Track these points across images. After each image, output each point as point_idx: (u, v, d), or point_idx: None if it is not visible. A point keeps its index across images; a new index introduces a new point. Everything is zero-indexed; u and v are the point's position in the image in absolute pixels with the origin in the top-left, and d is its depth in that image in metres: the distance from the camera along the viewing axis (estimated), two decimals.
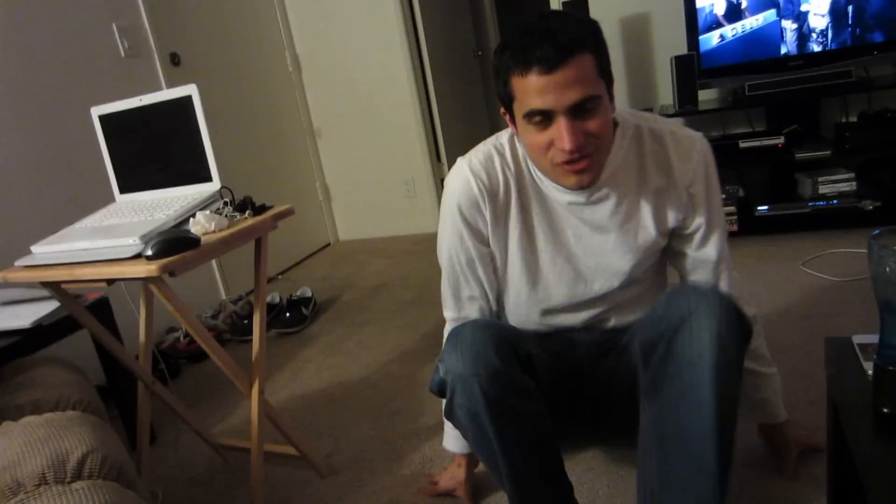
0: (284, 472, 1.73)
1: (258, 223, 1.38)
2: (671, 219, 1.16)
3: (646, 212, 1.16)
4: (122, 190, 1.58)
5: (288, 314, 2.79)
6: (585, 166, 1.02)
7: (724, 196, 2.75)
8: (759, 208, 2.74)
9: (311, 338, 2.67)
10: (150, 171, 1.52)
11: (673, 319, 0.97)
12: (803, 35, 2.65)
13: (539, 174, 1.16)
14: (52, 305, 1.82)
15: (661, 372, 1.00)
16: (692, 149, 1.15)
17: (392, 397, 2.03)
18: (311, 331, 2.75)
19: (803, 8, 2.62)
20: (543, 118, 0.99)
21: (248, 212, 1.42)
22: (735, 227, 2.77)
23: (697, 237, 1.18)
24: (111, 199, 1.63)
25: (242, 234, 1.34)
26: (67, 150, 2.48)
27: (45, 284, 1.38)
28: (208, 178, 1.45)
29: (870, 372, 0.86)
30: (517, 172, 1.18)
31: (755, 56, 2.73)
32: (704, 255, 1.20)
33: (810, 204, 2.66)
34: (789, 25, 2.66)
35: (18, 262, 1.37)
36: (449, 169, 4.04)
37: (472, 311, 1.26)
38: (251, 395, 1.46)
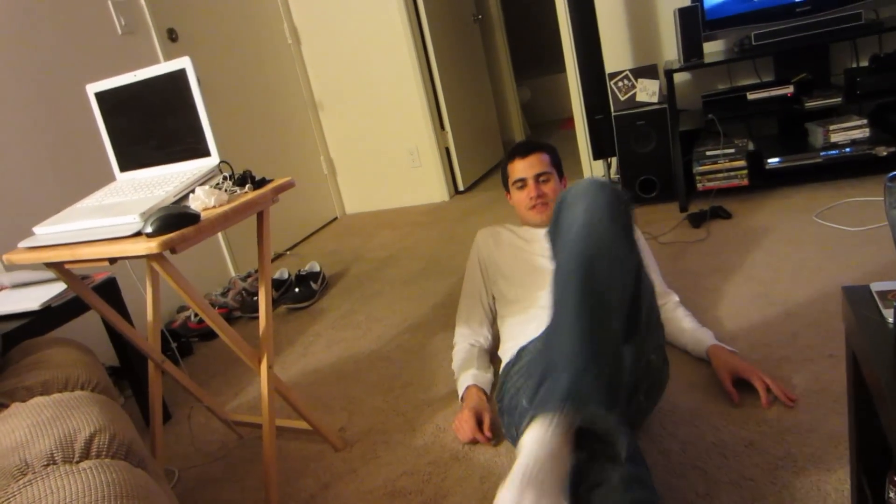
0: (298, 446, 1.73)
1: (258, 197, 1.36)
2: None
3: None
4: (122, 168, 1.56)
5: (297, 289, 2.78)
6: (544, 210, 1.80)
7: (732, 150, 2.71)
8: (770, 161, 2.69)
9: (321, 312, 2.66)
10: (149, 148, 1.50)
11: (558, 204, 1.22)
12: None
13: (521, 229, 1.88)
14: (60, 287, 1.82)
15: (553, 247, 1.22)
16: None
17: (403, 368, 2.02)
18: (320, 305, 2.74)
19: None
20: (522, 184, 1.83)
21: (247, 186, 1.40)
22: (746, 182, 2.72)
23: None
24: (112, 178, 1.62)
25: (242, 209, 1.31)
26: (67, 130, 2.46)
27: (48, 265, 1.37)
28: (207, 154, 1.42)
29: (890, 320, 0.83)
30: (510, 230, 1.91)
31: (761, 4, 2.64)
32: None
33: (822, 154, 2.60)
34: None
35: (22, 244, 1.36)
36: (453, 136, 4.03)
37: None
38: (260, 370, 1.45)
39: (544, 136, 5.38)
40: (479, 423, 1.57)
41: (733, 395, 1.47)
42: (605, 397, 0.99)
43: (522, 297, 1.71)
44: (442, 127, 3.94)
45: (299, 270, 2.90)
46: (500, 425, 1.55)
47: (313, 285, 2.82)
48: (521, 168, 1.81)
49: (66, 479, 0.85)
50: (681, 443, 1.39)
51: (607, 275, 1.07)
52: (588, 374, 1.00)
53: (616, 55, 3.21)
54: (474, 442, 1.55)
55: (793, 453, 1.28)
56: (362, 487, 1.50)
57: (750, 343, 1.70)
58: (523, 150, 1.83)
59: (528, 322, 1.63)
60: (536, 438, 0.95)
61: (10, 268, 2.13)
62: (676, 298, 1.78)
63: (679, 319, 1.72)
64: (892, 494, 0.83)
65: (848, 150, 2.56)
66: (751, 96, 2.68)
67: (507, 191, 1.91)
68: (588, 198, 1.13)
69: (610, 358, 1.03)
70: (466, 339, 1.84)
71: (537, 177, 1.80)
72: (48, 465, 0.92)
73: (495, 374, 1.78)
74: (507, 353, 1.64)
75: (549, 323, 1.11)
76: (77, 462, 0.93)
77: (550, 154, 1.85)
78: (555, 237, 1.19)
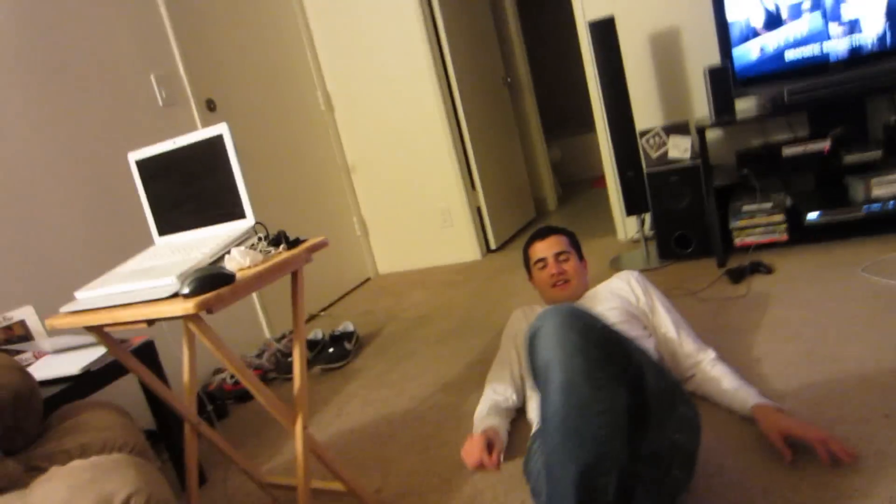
0: None
1: (292, 256, 1.37)
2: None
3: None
4: (161, 232, 1.60)
5: (331, 350, 2.78)
6: (565, 287, 1.88)
7: (770, 205, 2.67)
8: (810, 216, 2.64)
9: (355, 372, 2.65)
10: (187, 212, 1.54)
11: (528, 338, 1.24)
12: (848, 38, 2.55)
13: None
14: (99, 352, 1.84)
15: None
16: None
17: (439, 428, 1.99)
18: (354, 365, 2.73)
19: (850, 11, 2.52)
20: (543, 264, 1.92)
21: (282, 246, 1.42)
22: (785, 237, 2.67)
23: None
24: (151, 243, 1.66)
25: (277, 268, 1.33)
26: (110, 197, 2.55)
27: (88, 329, 1.40)
28: (242, 216, 1.46)
29: None
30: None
31: (794, 62, 2.64)
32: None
33: (864, 208, 2.55)
34: (836, 29, 2.56)
35: (64, 309, 1.39)
36: (484, 196, 4.08)
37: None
38: (294, 430, 1.44)
39: (576, 194, 5.39)
40: (490, 450, 1.49)
41: (786, 455, 1.40)
42: None
43: None
44: (473, 187, 3.99)
45: (333, 331, 2.91)
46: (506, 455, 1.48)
47: (347, 345, 2.82)
48: (541, 249, 1.92)
49: None
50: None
51: (594, 431, 1.08)
52: None
53: (646, 112, 3.24)
54: (481, 467, 1.45)
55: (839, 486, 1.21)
56: None
57: (799, 402, 1.63)
58: (542, 234, 1.96)
59: None
60: None
61: (52, 333, 2.18)
62: (713, 355, 1.73)
63: (718, 379, 1.66)
64: None
65: (892, 203, 2.50)
66: (786, 152, 2.65)
67: (530, 275, 2.01)
68: (558, 346, 1.13)
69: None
70: (492, 396, 1.83)
71: (557, 255, 1.90)
72: None
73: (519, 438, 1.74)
74: (535, 420, 1.62)
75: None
76: None
77: (568, 236, 1.97)
78: (534, 375, 1.21)
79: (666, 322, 1.81)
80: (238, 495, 1.91)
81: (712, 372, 1.69)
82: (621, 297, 1.83)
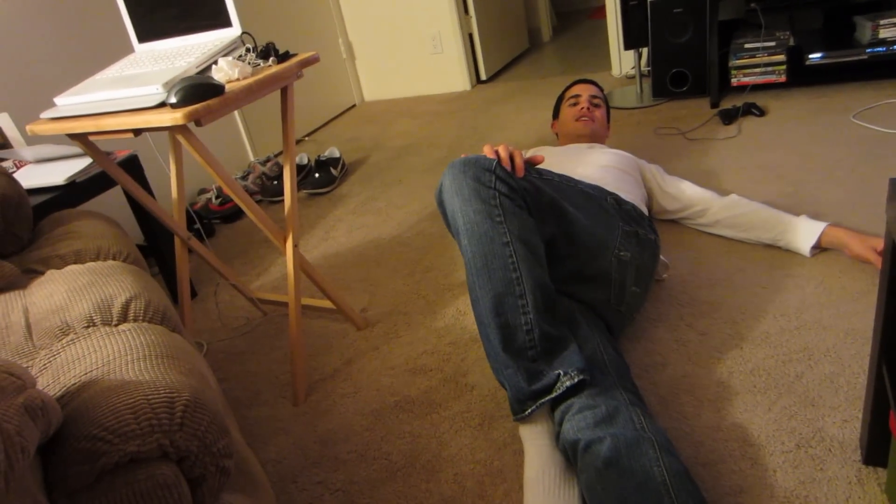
0: (321, 324, 1.78)
1: (283, 70, 1.32)
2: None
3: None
4: (140, 38, 1.51)
5: (317, 175, 2.77)
6: (587, 123, 1.95)
7: (773, 43, 2.59)
8: (811, 57, 2.56)
9: (341, 198, 2.66)
10: (168, 17, 1.44)
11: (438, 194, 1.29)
12: None
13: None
14: (82, 163, 1.82)
15: None
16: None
17: (424, 254, 2.04)
18: (340, 191, 2.74)
19: None
20: (576, 100, 2.02)
21: (271, 59, 1.35)
22: (783, 78, 2.61)
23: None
24: (129, 50, 1.57)
25: (267, 82, 1.28)
26: (86, 4, 2.37)
27: (72, 137, 1.36)
28: (228, 24, 1.37)
29: None
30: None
31: None
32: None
33: (867, 50, 2.47)
34: None
35: (44, 115, 1.35)
36: (477, 22, 3.86)
37: None
38: (285, 247, 1.47)
39: (572, 26, 5.15)
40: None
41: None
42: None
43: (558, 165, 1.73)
44: (466, 11, 3.77)
45: (319, 156, 2.88)
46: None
47: (333, 171, 2.81)
48: (580, 88, 2.06)
49: (106, 339, 0.88)
50: (699, 333, 1.41)
51: (502, 261, 1.14)
52: (522, 376, 1.10)
53: None
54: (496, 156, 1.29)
55: (809, 347, 1.30)
56: (384, 364, 1.56)
57: None
58: (584, 80, 2.10)
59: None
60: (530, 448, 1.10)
61: (32, 141, 2.12)
62: (726, 200, 1.73)
63: (757, 211, 1.66)
64: None
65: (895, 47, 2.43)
66: None
67: (556, 117, 2.13)
68: (457, 195, 1.19)
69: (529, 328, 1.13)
70: None
71: (591, 97, 2.02)
72: (88, 326, 0.95)
73: None
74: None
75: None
76: (115, 325, 0.96)
77: (605, 96, 2.10)
78: (448, 227, 1.26)
79: (671, 179, 1.85)
80: (228, 309, 1.99)
81: (744, 206, 1.69)
82: (623, 156, 1.79)
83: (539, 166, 1.77)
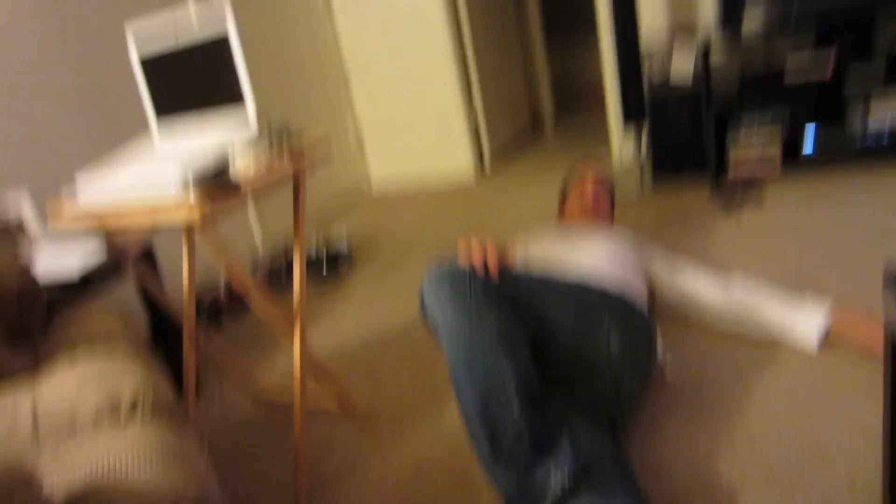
0: (325, 424, 1.73)
1: (296, 163, 1.36)
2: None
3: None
4: (159, 112, 1.54)
5: (324, 268, 2.80)
6: (589, 211, 2.03)
7: (767, 134, 2.68)
8: (805, 150, 2.65)
9: (348, 290, 2.68)
10: (185, 93, 1.49)
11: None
12: None
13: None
14: (96, 246, 1.83)
15: None
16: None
17: (430, 347, 2.03)
18: (348, 282, 2.76)
19: None
20: (584, 191, 2.07)
21: (285, 148, 1.40)
22: (779, 170, 2.69)
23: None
24: (146, 122, 1.61)
25: (281, 173, 1.33)
26: (105, 76, 2.50)
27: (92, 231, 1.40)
28: (241, 100, 1.41)
29: None
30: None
31: None
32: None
33: (858, 144, 2.56)
34: None
35: (67, 204, 1.38)
36: (483, 112, 3.88)
37: None
38: (293, 334, 1.47)
39: (575, 109, 5.32)
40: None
41: None
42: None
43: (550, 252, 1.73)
44: (471, 101, 3.96)
45: (326, 248, 2.93)
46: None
47: (339, 264, 2.85)
48: (583, 181, 2.12)
49: (113, 440, 0.87)
50: (710, 434, 1.39)
51: (483, 362, 1.15)
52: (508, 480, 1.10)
53: (653, 10, 3.17)
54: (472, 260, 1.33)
55: (822, 445, 1.28)
56: (389, 469, 1.51)
57: None
58: (587, 164, 2.23)
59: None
60: None
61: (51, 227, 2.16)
62: (729, 298, 1.72)
63: (760, 307, 1.66)
64: None
65: (886, 139, 2.50)
66: (788, 78, 2.62)
67: (562, 209, 2.17)
68: (436, 301, 1.24)
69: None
70: None
71: (595, 183, 2.10)
72: (96, 423, 0.95)
73: None
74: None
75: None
76: (123, 421, 0.96)
77: (611, 190, 2.19)
78: (432, 330, 1.30)
79: (671, 262, 1.87)
80: (233, 404, 1.96)
81: (747, 304, 1.68)
82: (622, 242, 1.81)
83: (532, 250, 1.82)
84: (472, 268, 1.27)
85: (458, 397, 1.17)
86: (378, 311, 2.39)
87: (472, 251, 1.33)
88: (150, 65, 1.53)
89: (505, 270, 1.35)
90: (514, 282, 1.33)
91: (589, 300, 1.41)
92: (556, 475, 1.05)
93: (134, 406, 1.01)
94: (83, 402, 1.00)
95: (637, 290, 1.60)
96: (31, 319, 1.37)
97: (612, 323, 1.36)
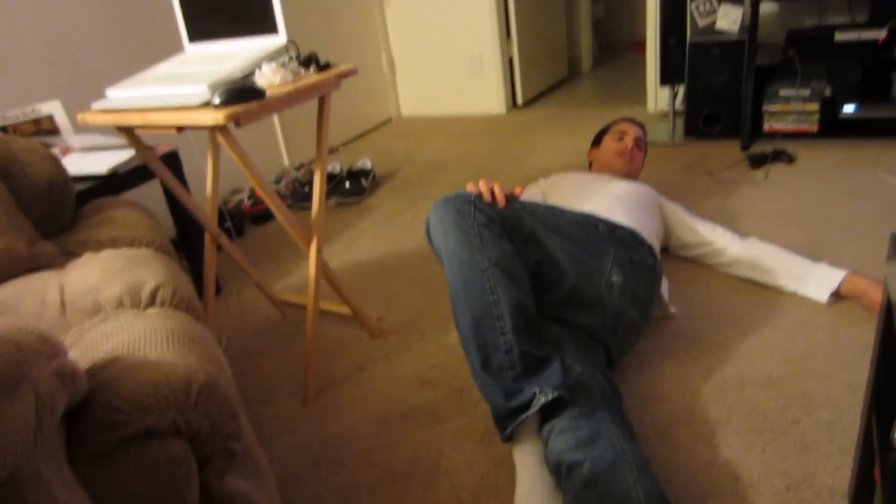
0: (337, 329, 1.84)
1: (322, 80, 1.38)
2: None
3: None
4: (191, 38, 1.59)
5: (347, 184, 2.84)
6: (628, 161, 1.97)
7: (808, 93, 2.60)
8: (845, 109, 2.57)
9: (368, 209, 2.73)
10: (219, 21, 1.52)
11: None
12: None
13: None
14: (125, 155, 1.90)
15: None
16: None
17: (443, 269, 2.08)
18: (369, 202, 2.80)
19: None
20: (621, 135, 2.02)
21: (312, 68, 1.42)
22: (815, 128, 2.62)
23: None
24: (179, 48, 1.65)
25: (307, 90, 1.35)
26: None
27: (119, 129, 1.44)
28: (275, 31, 1.44)
29: None
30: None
31: None
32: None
33: None
34: None
35: (95, 105, 1.43)
36: (518, 47, 3.92)
37: None
38: (309, 251, 1.53)
39: (613, 57, 5.20)
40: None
41: None
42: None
43: (579, 191, 1.74)
44: (508, 35, 3.85)
45: (351, 166, 2.96)
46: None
47: (363, 182, 2.88)
48: (628, 126, 2.05)
49: (134, 321, 0.94)
50: (703, 371, 1.43)
51: (481, 286, 1.20)
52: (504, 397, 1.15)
53: None
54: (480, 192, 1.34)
55: (809, 394, 1.32)
56: (394, 373, 1.60)
57: None
58: (634, 120, 2.09)
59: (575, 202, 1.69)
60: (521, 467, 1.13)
61: (79, 129, 2.22)
62: (745, 242, 1.76)
63: (773, 253, 1.70)
64: None
65: None
66: (838, 36, 2.53)
67: (596, 145, 2.10)
68: (440, 228, 1.28)
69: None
70: None
71: (637, 139, 2.01)
72: (118, 307, 1.01)
73: None
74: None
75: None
76: (144, 308, 1.03)
77: (647, 142, 2.13)
78: (438, 259, 1.34)
79: (690, 214, 1.88)
80: (250, 307, 2.05)
81: (763, 249, 1.73)
82: (641, 188, 1.82)
83: (546, 188, 1.92)
84: (479, 194, 1.30)
85: (455, 316, 1.23)
86: (397, 229, 2.44)
87: (480, 184, 1.35)
88: None
89: (512, 199, 1.37)
90: (520, 209, 1.36)
91: (595, 231, 1.44)
92: (539, 390, 1.11)
93: (154, 295, 1.07)
94: (107, 289, 1.06)
95: (649, 230, 1.62)
96: (60, 210, 1.43)
97: (617, 255, 1.39)
